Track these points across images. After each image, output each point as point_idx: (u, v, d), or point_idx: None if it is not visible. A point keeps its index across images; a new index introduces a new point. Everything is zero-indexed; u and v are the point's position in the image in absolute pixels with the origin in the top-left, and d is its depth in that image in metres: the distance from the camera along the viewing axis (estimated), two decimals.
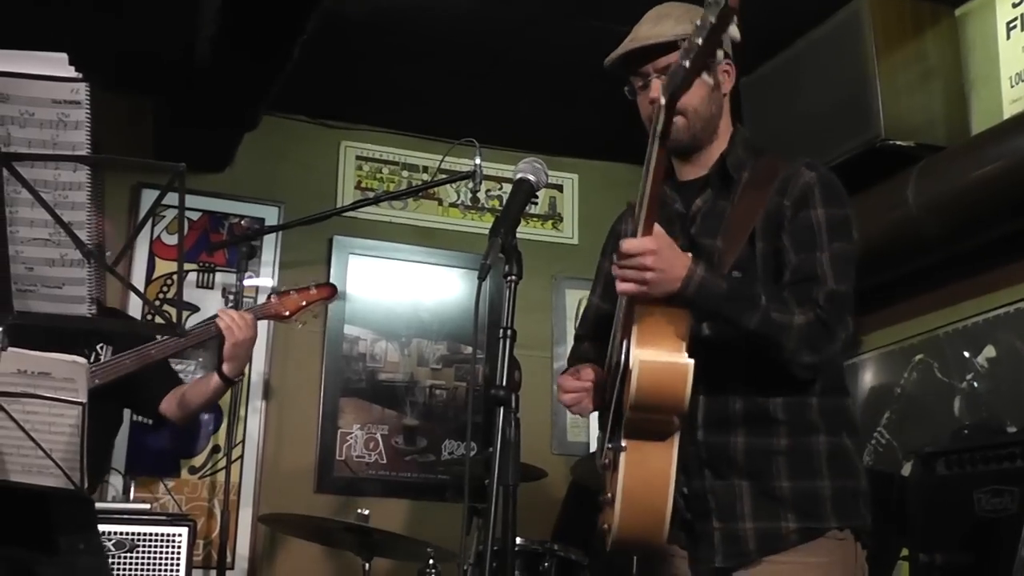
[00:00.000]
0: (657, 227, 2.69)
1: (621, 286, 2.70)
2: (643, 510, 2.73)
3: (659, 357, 2.65)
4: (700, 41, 2.40)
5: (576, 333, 3.53)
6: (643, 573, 3.39)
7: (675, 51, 2.91)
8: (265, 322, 6.43)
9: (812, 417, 2.90)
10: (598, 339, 3.29)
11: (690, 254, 2.74)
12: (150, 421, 4.90)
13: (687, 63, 2.46)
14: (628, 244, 2.67)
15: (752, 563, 2.84)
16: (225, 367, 4.28)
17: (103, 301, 4.14)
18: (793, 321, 2.72)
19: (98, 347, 4.22)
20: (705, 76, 2.91)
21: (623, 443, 2.72)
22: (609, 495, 2.81)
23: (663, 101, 2.59)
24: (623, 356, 2.75)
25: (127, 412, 4.91)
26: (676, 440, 2.72)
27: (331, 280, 6.66)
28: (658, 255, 2.65)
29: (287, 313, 4.65)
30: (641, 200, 2.70)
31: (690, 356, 2.66)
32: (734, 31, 2.48)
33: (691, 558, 2.96)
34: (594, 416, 3.12)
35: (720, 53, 2.79)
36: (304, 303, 4.68)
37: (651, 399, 2.64)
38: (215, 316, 4.38)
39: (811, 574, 2.83)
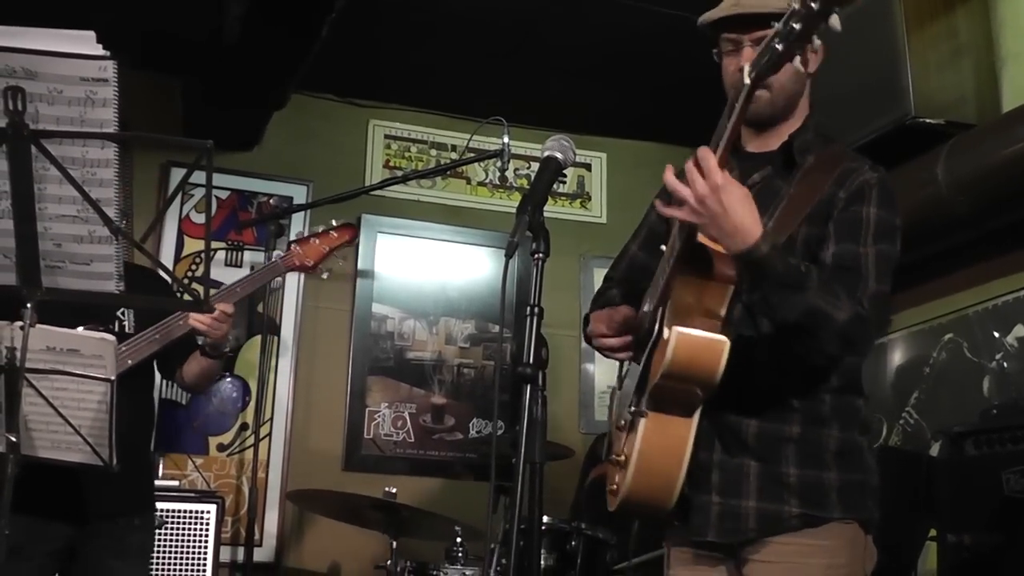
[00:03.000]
0: (724, 173, 2.61)
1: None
2: (656, 475, 2.73)
3: (697, 331, 2.63)
4: (799, 26, 2.33)
5: (606, 275, 3.45)
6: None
7: (768, 26, 2.92)
8: (295, 297, 6.50)
9: (824, 411, 2.88)
10: (626, 286, 3.27)
11: (761, 222, 2.65)
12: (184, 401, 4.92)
13: (780, 47, 2.39)
14: (703, 151, 2.60)
15: (752, 542, 2.84)
16: (209, 351, 4.27)
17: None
18: (836, 316, 2.67)
19: (119, 313, 4.22)
20: (812, 52, 2.91)
21: (645, 408, 2.72)
22: (623, 456, 2.80)
23: (748, 80, 2.51)
24: (657, 324, 2.73)
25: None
26: (698, 414, 2.71)
27: (359, 259, 6.69)
28: (724, 192, 2.56)
29: (311, 263, 4.59)
30: (719, 133, 2.63)
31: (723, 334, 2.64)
32: (835, 21, 2.42)
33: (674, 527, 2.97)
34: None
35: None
36: (327, 248, 4.61)
37: (684, 371, 2.62)
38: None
39: (813, 555, 2.80)
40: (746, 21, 2.93)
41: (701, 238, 2.67)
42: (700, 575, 2.98)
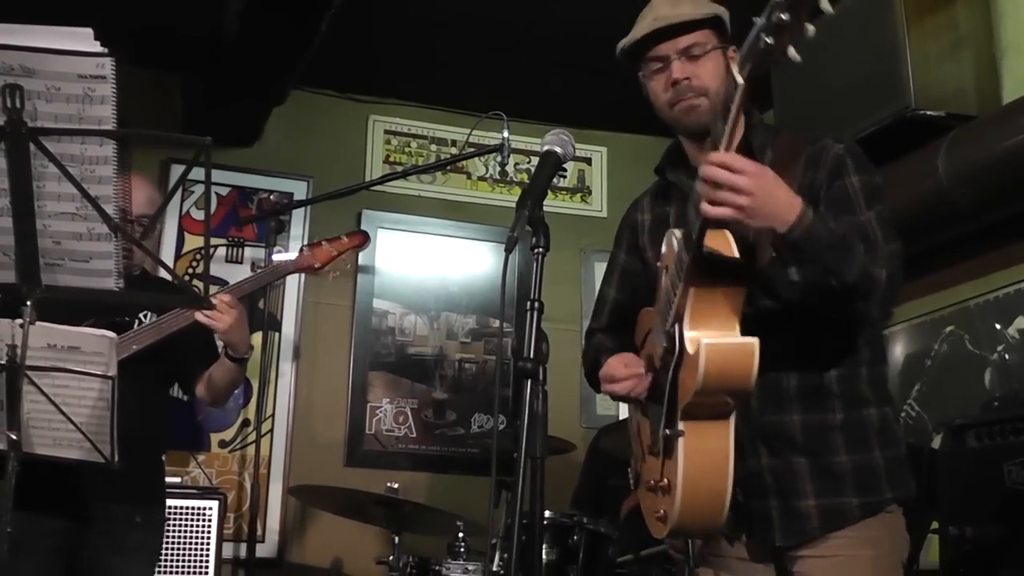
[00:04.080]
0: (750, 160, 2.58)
1: (713, 211, 2.52)
2: (704, 494, 2.68)
3: (723, 339, 2.59)
4: (787, 16, 2.25)
5: (589, 327, 3.43)
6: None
7: (695, 31, 2.93)
8: (296, 292, 6.50)
9: (862, 388, 2.89)
10: (612, 332, 3.28)
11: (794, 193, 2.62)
12: (186, 397, 4.92)
13: (770, 40, 2.29)
14: (722, 156, 2.52)
15: (814, 540, 2.83)
16: (228, 351, 4.27)
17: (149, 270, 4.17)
18: (880, 274, 2.67)
19: (141, 315, 4.23)
20: (722, 59, 2.93)
21: (681, 427, 2.66)
22: (665, 481, 2.76)
23: (741, 80, 2.41)
24: (678, 340, 2.67)
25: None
26: (732, 421, 2.67)
27: (360, 254, 6.68)
28: (759, 178, 2.53)
29: (318, 265, 4.58)
30: (720, 127, 2.54)
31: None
32: (826, 4, 2.39)
33: (734, 539, 2.95)
34: None
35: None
36: (336, 253, 4.61)
37: (718, 383, 2.57)
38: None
39: (861, 547, 2.81)
40: (669, 33, 2.94)
41: (708, 245, 2.62)
42: (739, 556, 2.98)
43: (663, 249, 2.86)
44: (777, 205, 2.56)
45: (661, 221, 3.18)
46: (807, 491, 2.84)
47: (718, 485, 2.67)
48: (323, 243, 4.64)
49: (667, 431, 2.74)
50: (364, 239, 4.75)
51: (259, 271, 4.61)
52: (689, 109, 2.95)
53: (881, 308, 2.75)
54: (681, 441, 2.67)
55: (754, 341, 2.58)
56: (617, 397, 3.06)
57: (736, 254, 2.64)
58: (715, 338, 2.59)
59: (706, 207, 2.53)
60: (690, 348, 2.60)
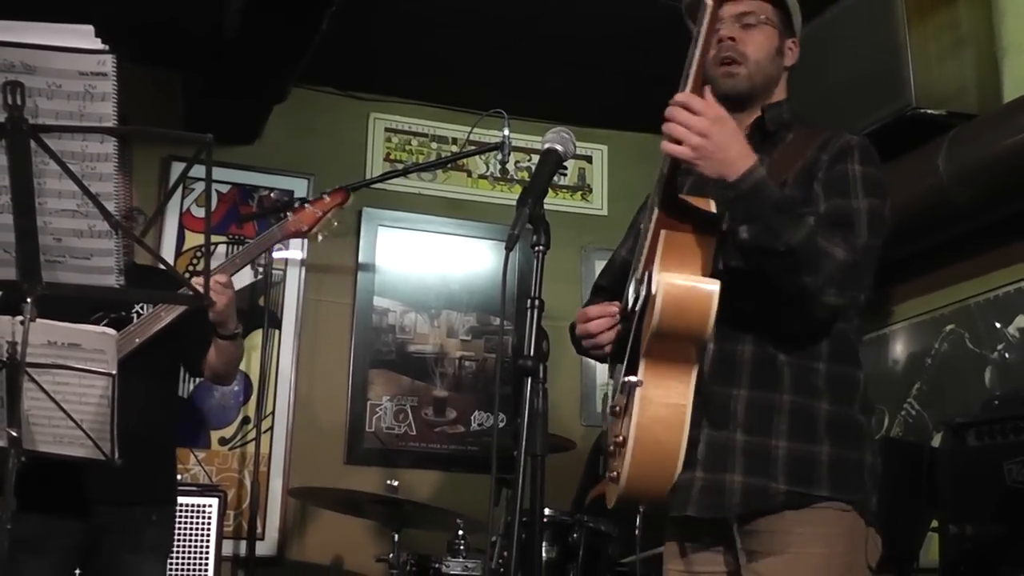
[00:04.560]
0: (717, 104, 2.64)
1: (667, 146, 2.63)
2: (657, 449, 2.65)
3: (684, 280, 2.61)
4: None
5: (595, 283, 3.45)
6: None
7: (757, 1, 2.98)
8: (296, 290, 6.50)
9: (817, 382, 2.85)
10: (616, 293, 3.28)
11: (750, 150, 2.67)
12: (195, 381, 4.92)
13: None
14: (684, 96, 2.61)
15: (745, 527, 2.81)
16: (219, 330, 4.27)
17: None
18: (835, 252, 2.66)
19: (138, 308, 4.23)
20: (775, 39, 2.99)
21: (640, 377, 2.65)
22: (620, 438, 2.71)
23: (709, 2, 2.55)
24: (645, 287, 2.69)
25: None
26: (694, 376, 2.66)
27: (360, 252, 6.69)
28: (716, 123, 2.59)
29: (306, 228, 4.55)
30: (688, 67, 2.64)
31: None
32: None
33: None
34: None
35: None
36: (320, 213, 4.58)
37: (675, 322, 2.58)
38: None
39: (811, 544, 2.77)
40: None
41: (687, 199, 2.67)
42: (695, 566, 2.96)
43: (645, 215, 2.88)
44: (728, 153, 2.61)
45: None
46: (735, 466, 2.80)
47: (671, 439, 2.65)
48: (306, 206, 4.60)
49: (627, 379, 2.72)
50: (346, 196, 4.73)
51: (248, 244, 4.58)
52: (727, 75, 2.97)
53: (839, 293, 2.71)
54: (638, 391, 2.65)
55: (715, 284, 2.60)
56: (586, 338, 3.02)
57: (712, 208, 2.70)
58: (676, 279, 2.60)
59: (665, 144, 2.63)
60: (653, 288, 2.61)
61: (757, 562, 2.82)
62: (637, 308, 2.75)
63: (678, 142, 2.61)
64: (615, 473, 2.77)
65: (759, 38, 2.99)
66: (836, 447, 2.82)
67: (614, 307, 2.99)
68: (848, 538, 2.82)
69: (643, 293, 2.70)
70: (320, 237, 4.69)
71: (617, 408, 2.85)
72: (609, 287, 3.34)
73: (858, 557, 2.84)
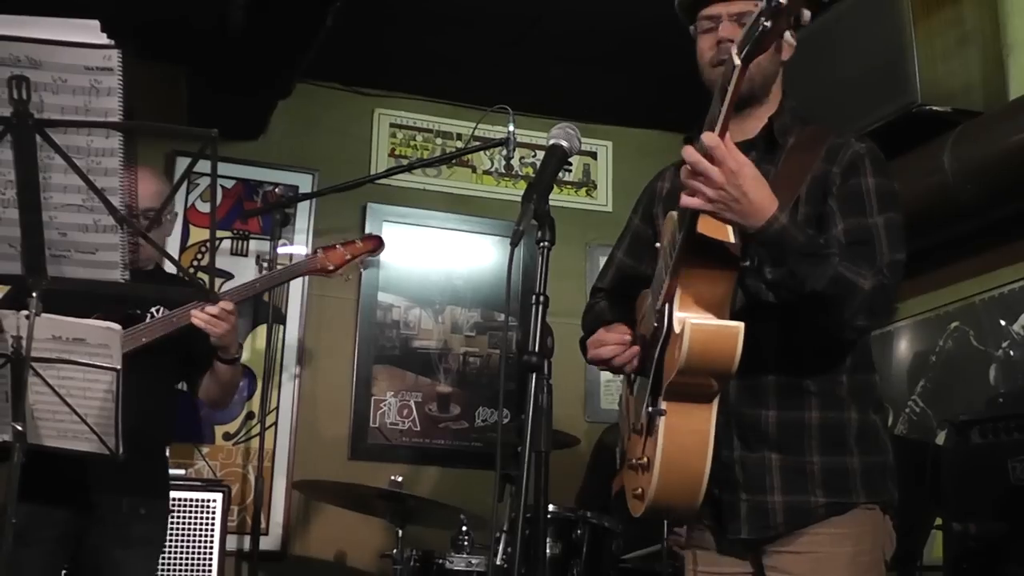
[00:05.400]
0: (737, 150, 2.60)
1: (684, 199, 2.61)
2: (681, 475, 2.71)
3: (709, 320, 2.63)
4: (785, 1, 2.28)
5: (594, 286, 3.47)
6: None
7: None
8: (301, 286, 6.51)
9: (842, 393, 2.89)
10: (614, 296, 3.30)
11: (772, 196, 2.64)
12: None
13: (769, 23, 2.33)
14: (709, 138, 2.55)
15: (780, 536, 2.84)
16: (220, 353, 4.27)
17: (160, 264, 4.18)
18: (862, 284, 2.66)
19: (153, 310, 4.24)
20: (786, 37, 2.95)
21: (663, 406, 2.70)
22: (645, 459, 2.79)
23: (738, 62, 2.45)
24: (666, 319, 2.71)
25: None
26: (716, 405, 2.70)
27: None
28: (734, 174, 2.56)
29: (331, 268, 4.57)
30: (713, 117, 2.59)
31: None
32: (806, 14, 2.41)
33: (714, 528, 2.97)
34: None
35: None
36: (349, 257, 4.61)
37: (701, 363, 2.60)
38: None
39: (840, 543, 2.81)
40: None
41: (701, 228, 2.65)
42: (725, 567, 2.99)
43: (662, 231, 2.90)
44: (749, 204, 2.59)
45: (677, 190, 3.19)
46: (774, 487, 2.84)
47: (696, 466, 2.70)
48: (337, 246, 4.62)
49: (650, 409, 2.77)
50: (378, 244, 4.74)
51: (271, 272, 4.62)
52: None
53: (868, 318, 2.74)
54: (662, 420, 2.70)
55: (739, 325, 2.61)
56: (600, 363, 3.07)
57: (731, 239, 2.67)
58: (701, 319, 2.62)
59: (684, 196, 2.61)
60: (676, 327, 2.63)
61: (783, 559, 2.86)
62: (659, 340, 2.76)
63: (693, 191, 2.60)
64: (639, 490, 2.84)
65: None
66: (865, 455, 2.88)
67: (626, 333, 3.03)
68: (872, 536, 2.88)
69: (665, 327, 2.72)
70: (346, 280, 4.72)
71: (639, 426, 2.89)
72: (608, 289, 3.38)
73: (879, 554, 2.91)
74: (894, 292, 2.78)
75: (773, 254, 2.67)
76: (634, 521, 3.04)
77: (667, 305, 2.72)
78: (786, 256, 2.64)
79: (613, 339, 3.02)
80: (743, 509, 2.86)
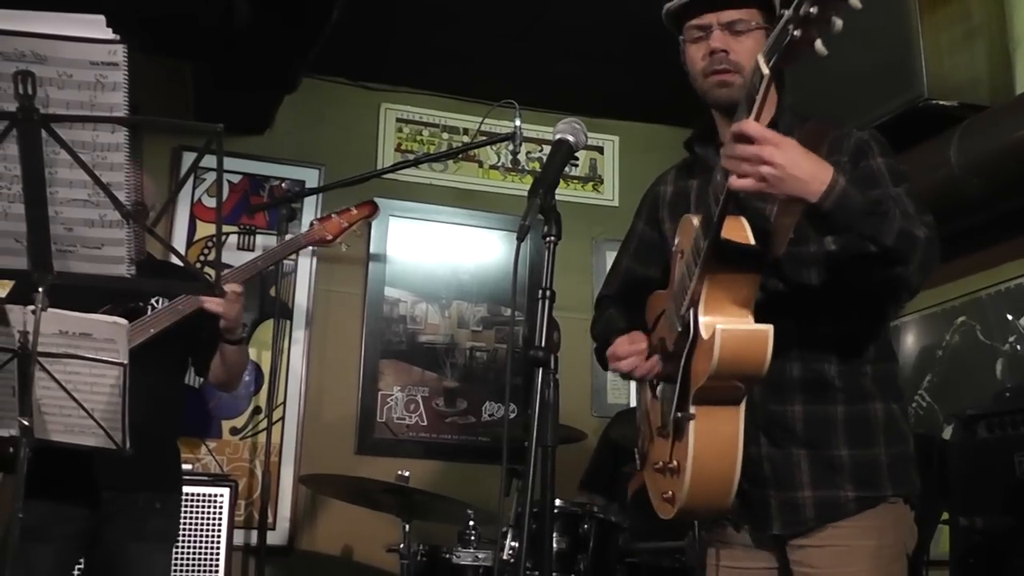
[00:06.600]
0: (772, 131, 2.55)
1: (737, 182, 2.51)
2: (712, 477, 2.71)
3: (738, 325, 2.62)
4: (815, 9, 2.27)
5: (600, 293, 3.43)
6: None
7: (742, 7, 2.91)
8: (307, 281, 6.51)
9: (866, 384, 2.88)
10: (623, 302, 3.28)
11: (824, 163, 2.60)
12: (199, 381, 4.96)
13: (799, 32, 2.31)
14: (746, 126, 2.50)
15: (810, 531, 2.84)
16: (226, 335, 4.29)
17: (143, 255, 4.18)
18: (919, 233, 2.64)
19: (153, 301, 4.26)
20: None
21: (692, 410, 2.69)
22: (674, 463, 2.78)
23: (766, 71, 2.41)
24: (692, 325, 2.69)
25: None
26: (744, 406, 2.70)
27: (371, 243, 6.69)
28: (782, 149, 2.50)
29: (330, 237, 4.67)
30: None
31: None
32: (838, 22, 2.38)
33: (739, 525, 2.96)
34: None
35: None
36: (346, 224, 4.70)
37: (731, 368, 2.60)
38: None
39: (864, 537, 2.81)
40: (716, 4, 2.92)
41: (725, 233, 2.62)
42: (748, 562, 2.99)
43: (678, 235, 2.89)
44: (803, 173, 2.53)
45: (682, 194, 3.19)
46: (804, 482, 2.84)
47: (726, 469, 2.70)
48: (333, 216, 4.72)
49: (679, 414, 2.76)
50: (373, 208, 4.81)
51: (272, 248, 4.63)
52: (722, 83, 2.92)
53: (920, 273, 2.69)
54: (692, 424, 2.70)
55: (768, 328, 2.60)
56: (623, 375, 3.07)
57: (752, 241, 2.64)
58: (730, 324, 2.61)
59: (732, 180, 2.52)
60: (705, 333, 2.63)
61: (808, 553, 2.86)
62: (685, 346, 2.74)
63: (743, 174, 2.52)
64: (670, 493, 2.83)
65: (750, 44, 2.90)
66: (891, 447, 2.87)
67: (643, 341, 3.02)
68: (895, 529, 2.88)
69: (692, 332, 2.70)
70: (344, 247, 4.75)
71: (666, 430, 2.88)
72: (615, 296, 3.36)
73: (902, 547, 2.90)
74: (938, 248, 2.72)
75: (839, 220, 2.59)
76: (642, 517, 3.04)
77: (692, 310, 2.70)
78: (851, 219, 2.58)
79: (630, 351, 3.00)
80: (773, 505, 2.86)
